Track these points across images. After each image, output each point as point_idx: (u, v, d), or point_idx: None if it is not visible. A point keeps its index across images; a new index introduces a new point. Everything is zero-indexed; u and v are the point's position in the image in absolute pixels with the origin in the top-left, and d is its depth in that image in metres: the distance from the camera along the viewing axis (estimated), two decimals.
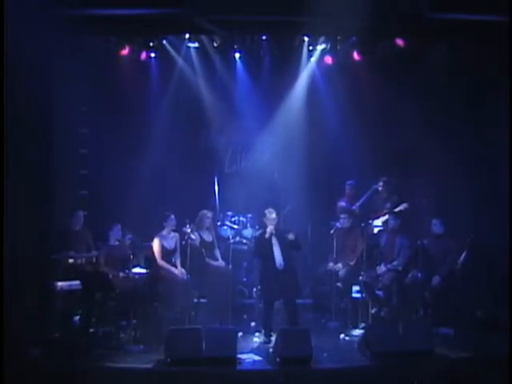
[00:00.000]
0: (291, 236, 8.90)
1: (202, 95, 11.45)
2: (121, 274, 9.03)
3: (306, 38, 10.86)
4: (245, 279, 10.68)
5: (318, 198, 11.03)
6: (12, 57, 7.81)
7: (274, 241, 8.97)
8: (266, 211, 9.13)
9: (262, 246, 9.05)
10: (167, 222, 9.59)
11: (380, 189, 10.73)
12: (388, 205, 10.51)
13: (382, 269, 9.62)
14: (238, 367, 7.74)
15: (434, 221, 9.63)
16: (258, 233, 9.32)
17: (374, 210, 10.71)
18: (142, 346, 8.47)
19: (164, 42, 10.89)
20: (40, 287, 8.75)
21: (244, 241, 10.87)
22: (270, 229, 8.98)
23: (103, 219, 10.06)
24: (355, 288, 9.79)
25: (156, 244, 9.49)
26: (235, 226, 11.09)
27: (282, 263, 8.90)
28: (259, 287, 9.34)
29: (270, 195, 10.96)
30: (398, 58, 10.77)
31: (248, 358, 8.03)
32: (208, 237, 9.90)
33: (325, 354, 8.12)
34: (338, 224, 10.18)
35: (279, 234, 9.00)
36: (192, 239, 9.46)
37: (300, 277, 9.49)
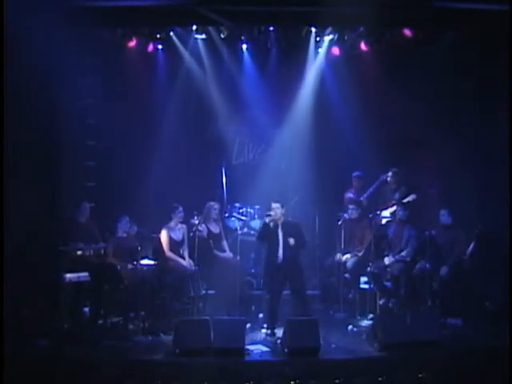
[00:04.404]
0: (292, 241, 8.82)
1: (210, 87, 11.40)
2: (129, 266, 9.03)
3: (313, 29, 10.79)
4: (253, 270, 10.66)
5: (326, 189, 11.00)
6: (17, 49, 7.82)
7: (280, 233, 8.90)
8: (272, 204, 8.99)
9: (266, 236, 8.98)
10: (175, 214, 9.61)
11: (388, 179, 10.68)
12: (396, 195, 10.47)
13: (390, 259, 9.61)
14: (246, 358, 7.76)
15: (443, 211, 9.61)
16: (264, 220, 9.10)
17: (382, 200, 10.67)
18: (150, 337, 8.53)
19: (171, 33, 10.85)
20: (48, 279, 8.80)
21: (252, 232, 10.82)
22: (271, 218, 8.86)
23: (111, 211, 10.09)
24: (363, 279, 9.81)
25: (164, 235, 9.51)
26: (243, 218, 11.06)
27: (282, 257, 8.82)
28: (264, 278, 9.31)
29: (277, 186, 10.93)
30: (405, 48, 10.71)
31: (256, 349, 8.05)
32: (215, 228, 9.92)
33: (333, 345, 8.15)
34: (346, 215, 10.18)
35: (286, 227, 8.93)
36: (199, 231, 9.48)
37: (307, 268, 9.49)
